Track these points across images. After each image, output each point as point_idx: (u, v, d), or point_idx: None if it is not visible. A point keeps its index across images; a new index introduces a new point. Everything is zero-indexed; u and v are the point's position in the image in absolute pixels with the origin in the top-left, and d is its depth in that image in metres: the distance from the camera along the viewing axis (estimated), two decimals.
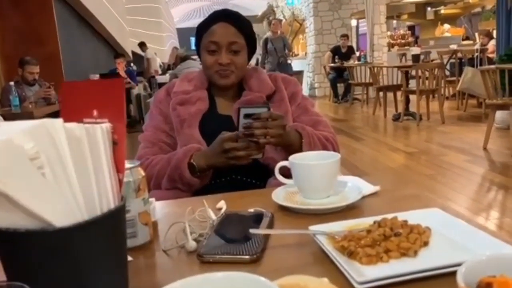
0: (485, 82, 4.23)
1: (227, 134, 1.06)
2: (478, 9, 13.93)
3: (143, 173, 0.68)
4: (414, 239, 0.58)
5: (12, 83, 4.03)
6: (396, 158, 4.49)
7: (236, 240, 0.65)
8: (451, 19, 14.64)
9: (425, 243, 0.58)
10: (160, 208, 0.87)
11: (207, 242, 0.65)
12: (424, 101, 6.15)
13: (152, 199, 0.85)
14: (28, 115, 3.46)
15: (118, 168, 0.47)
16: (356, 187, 0.82)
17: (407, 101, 6.40)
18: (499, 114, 4.90)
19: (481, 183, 3.56)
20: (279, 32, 8.51)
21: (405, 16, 15.29)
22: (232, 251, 0.62)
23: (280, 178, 0.83)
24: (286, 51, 8.51)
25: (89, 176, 0.44)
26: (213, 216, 0.75)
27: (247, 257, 0.60)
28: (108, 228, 0.45)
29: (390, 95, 6.99)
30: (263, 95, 1.28)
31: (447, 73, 7.60)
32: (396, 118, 6.47)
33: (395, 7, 12.81)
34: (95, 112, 0.48)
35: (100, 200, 0.45)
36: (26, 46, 5.91)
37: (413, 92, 6.02)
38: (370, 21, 9.25)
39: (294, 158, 0.80)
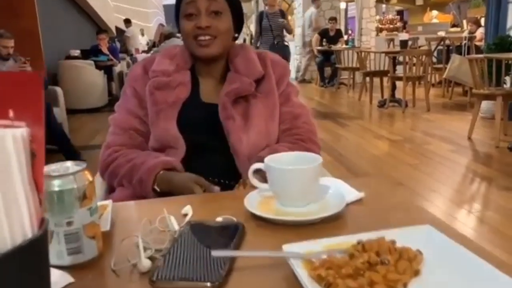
0: (473, 71, 4.17)
1: (200, 180, 0.98)
2: None
3: (90, 178, 0.58)
4: (404, 268, 0.49)
5: None
6: (380, 145, 4.44)
7: (198, 260, 0.56)
8: (440, 6, 14.58)
9: (416, 272, 0.50)
10: (118, 211, 0.77)
11: (164, 262, 0.56)
12: (410, 88, 6.09)
13: (109, 202, 0.75)
14: None
15: (38, 186, 0.37)
16: (338, 194, 0.73)
17: (393, 87, 6.34)
18: (485, 104, 4.87)
19: (465, 173, 3.53)
20: (276, 6, 6.88)
21: (394, 1, 15.18)
22: (191, 275, 0.52)
23: (255, 182, 0.73)
24: (287, 28, 6.88)
25: None
26: (175, 226, 0.65)
27: (208, 284, 0.51)
28: (24, 264, 0.35)
29: (376, 80, 6.92)
30: (251, 81, 1.15)
31: (434, 60, 7.55)
32: (382, 104, 6.41)
33: None
34: (11, 113, 0.38)
35: (11, 230, 0.35)
36: (2, 19, 5.65)
37: (399, 78, 5.96)
38: (360, 4, 9.11)
39: (270, 160, 0.71)
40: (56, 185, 0.55)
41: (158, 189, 1.01)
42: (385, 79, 6.92)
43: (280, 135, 1.17)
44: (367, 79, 6.91)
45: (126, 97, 1.17)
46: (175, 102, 1.12)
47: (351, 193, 0.76)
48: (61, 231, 0.56)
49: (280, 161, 0.72)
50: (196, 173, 1.01)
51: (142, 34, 13.69)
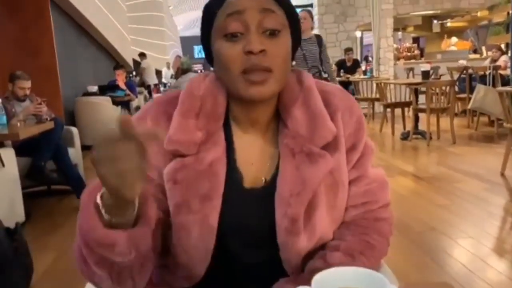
0: (503, 103, 3.97)
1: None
2: (484, 22, 13.73)
3: None
4: None
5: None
6: (406, 183, 4.22)
7: None
8: (457, 32, 14.46)
9: None
10: None
11: None
12: (433, 119, 5.89)
13: None
14: (13, 136, 3.21)
15: None
16: None
17: (416, 118, 6.14)
18: None
19: (503, 216, 3.28)
20: (310, 31, 5.32)
21: (411, 28, 15.13)
22: None
23: None
24: (323, 59, 5.24)
25: None
26: None
27: None
28: None
29: (397, 110, 6.74)
30: (319, 149, 0.80)
31: (457, 89, 7.36)
32: (405, 137, 6.21)
33: (402, 19, 12.62)
34: None
35: None
36: (21, 57, 5.70)
37: (423, 110, 5.77)
38: (377, 34, 9.03)
39: (319, 284, 0.54)
40: None
41: (99, 202, 0.65)
42: (406, 109, 6.74)
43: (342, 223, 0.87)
44: (388, 109, 6.73)
45: None
46: (207, 196, 0.78)
47: None
48: None
49: (333, 282, 0.55)
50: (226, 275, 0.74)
51: (168, 68, 13.76)
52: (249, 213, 0.81)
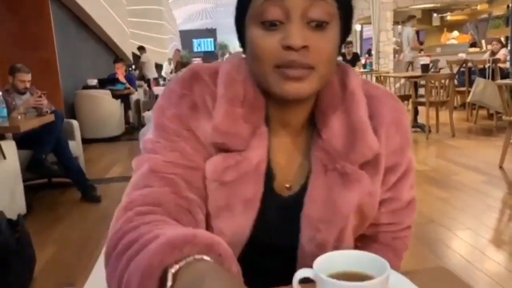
0: (502, 96, 3.99)
1: None
2: (484, 16, 13.71)
3: None
4: None
5: (0, 92, 3.79)
6: None
7: None
8: (457, 26, 14.43)
9: None
10: None
11: None
12: (432, 112, 5.90)
13: None
14: (14, 129, 3.22)
15: None
16: None
17: (416, 112, 6.16)
18: None
19: (502, 209, 3.31)
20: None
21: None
22: None
23: None
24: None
25: None
26: None
27: None
28: None
29: None
30: (355, 169, 0.72)
31: (456, 82, 7.36)
32: None
33: (402, 13, 12.58)
34: None
35: None
36: (21, 51, 5.70)
37: (422, 103, 5.78)
38: (377, 27, 9.02)
39: (321, 267, 0.56)
40: None
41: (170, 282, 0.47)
42: (405, 102, 6.75)
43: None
44: None
45: (171, 133, 0.71)
46: (250, 201, 0.72)
47: None
48: None
49: (334, 265, 0.57)
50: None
51: (170, 63, 13.75)
52: (276, 221, 0.76)
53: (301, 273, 0.57)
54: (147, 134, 0.75)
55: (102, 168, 5.06)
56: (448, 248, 2.61)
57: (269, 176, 0.75)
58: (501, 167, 4.12)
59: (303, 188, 0.75)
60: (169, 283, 0.46)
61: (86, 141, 5.25)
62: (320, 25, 0.64)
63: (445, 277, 0.74)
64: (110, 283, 0.55)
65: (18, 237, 2.27)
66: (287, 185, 0.77)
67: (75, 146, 4.26)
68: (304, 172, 0.76)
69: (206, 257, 0.49)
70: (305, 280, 0.58)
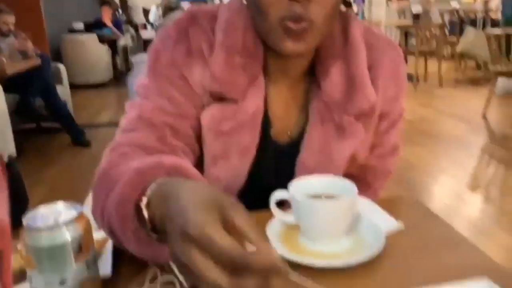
0: (490, 46, 4.00)
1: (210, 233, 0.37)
2: None
3: (85, 225, 0.49)
4: None
5: None
6: None
7: None
8: None
9: None
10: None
11: None
12: (421, 62, 5.90)
13: (108, 247, 0.62)
14: (0, 72, 3.18)
15: (5, 286, 0.28)
16: (375, 228, 0.63)
17: (405, 61, 6.15)
18: (501, 81, 4.71)
19: (481, 156, 3.41)
20: None
21: None
22: None
23: (277, 213, 0.64)
24: None
25: None
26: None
27: None
28: None
29: None
30: (351, 120, 0.75)
31: (447, 32, 7.31)
32: None
33: None
34: None
35: None
36: None
37: (412, 52, 5.77)
38: None
39: (296, 188, 0.61)
40: (45, 239, 0.46)
41: (146, 214, 0.47)
42: None
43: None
44: None
45: (163, 80, 0.72)
46: (246, 149, 0.75)
47: (387, 222, 0.67)
48: None
49: (308, 188, 0.62)
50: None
51: (158, 9, 13.24)
52: (272, 168, 0.79)
53: (277, 195, 0.62)
54: (140, 78, 0.76)
55: (90, 114, 5.06)
56: (429, 192, 2.72)
57: (266, 124, 0.77)
58: (484, 117, 4.21)
59: (300, 137, 0.78)
60: (144, 212, 0.47)
61: (73, 87, 5.19)
62: None
63: (414, 206, 0.80)
64: (95, 217, 0.59)
65: (9, 178, 2.31)
66: (288, 132, 0.79)
67: (63, 91, 4.23)
68: (301, 121, 0.79)
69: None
70: (281, 205, 0.63)
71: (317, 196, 0.61)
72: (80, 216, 0.48)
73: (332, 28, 0.72)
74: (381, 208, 0.72)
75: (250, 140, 0.74)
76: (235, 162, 0.75)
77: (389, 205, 0.74)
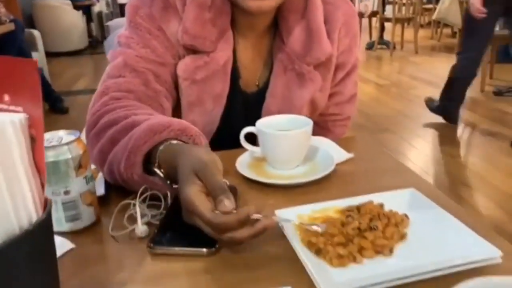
0: (462, 13, 4.11)
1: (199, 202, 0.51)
2: None
3: (84, 147, 0.58)
4: (391, 233, 0.52)
5: None
6: (367, 90, 4.44)
7: (192, 226, 0.58)
8: None
9: (402, 236, 0.53)
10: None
11: (159, 228, 0.58)
12: (399, 30, 6.01)
13: (100, 174, 0.73)
14: None
15: (39, 169, 0.38)
16: (328, 155, 0.74)
17: (382, 29, 6.25)
18: None
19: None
20: None
21: None
22: (186, 242, 0.55)
23: (246, 145, 0.75)
24: None
25: None
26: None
27: (204, 249, 0.53)
28: (32, 246, 0.36)
29: (364, 21, 6.80)
30: (310, 69, 0.84)
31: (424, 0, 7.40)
32: (370, 46, 6.35)
33: None
34: (6, 97, 0.37)
35: (16, 214, 0.36)
36: None
37: (389, 20, 5.86)
38: None
39: (261, 124, 0.72)
40: (51, 156, 0.55)
41: (159, 172, 0.63)
42: (374, 20, 6.80)
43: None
44: None
45: (143, 31, 0.80)
46: (219, 96, 0.84)
47: (340, 153, 0.78)
48: (59, 199, 0.57)
49: (272, 124, 0.73)
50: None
51: None
52: (241, 114, 0.88)
53: (246, 129, 0.73)
54: (122, 30, 0.84)
55: (67, 81, 5.04)
56: (401, 154, 2.88)
57: (235, 74, 0.86)
58: None
59: (265, 86, 0.88)
60: (156, 160, 0.63)
61: (49, 55, 5.13)
62: None
63: (368, 142, 0.91)
64: (91, 153, 0.70)
65: None
66: (256, 82, 0.89)
67: (39, 58, 4.20)
68: (266, 72, 0.88)
69: (178, 141, 0.64)
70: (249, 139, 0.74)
71: (278, 129, 0.72)
72: (79, 140, 0.58)
73: None
74: (334, 143, 0.83)
75: (222, 88, 0.84)
76: (209, 108, 0.84)
77: (344, 141, 0.86)
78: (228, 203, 0.50)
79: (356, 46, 0.90)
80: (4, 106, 0.37)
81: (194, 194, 0.51)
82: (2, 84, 0.37)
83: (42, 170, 0.38)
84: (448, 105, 3.31)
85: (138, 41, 0.80)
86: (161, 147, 0.62)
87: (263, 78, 0.89)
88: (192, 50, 0.81)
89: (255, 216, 0.51)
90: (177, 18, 0.80)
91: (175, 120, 0.67)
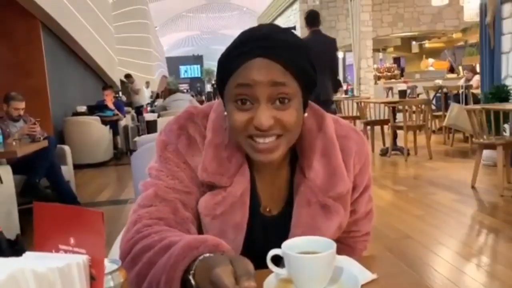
0: (472, 121, 4.26)
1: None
2: (461, 43, 14.33)
3: (124, 276, 0.63)
4: None
5: None
6: (384, 196, 4.46)
7: None
8: (436, 52, 15.03)
9: None
10: None
11: None
12: (411, 136, 6.19)
13: None
14: (11, 154, 3.37)
15: None
16: (352, 276, 0.77)
17: (395, 135, 6.44)
18: (486, 151, 4.94)
19: (471, 225, 3.53)
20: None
21: (391, 49, 15.65)
22: None
23: (272, 267, 0.78)
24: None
25: None
26: None
27: None
28: None
29: (377, 128, 7.05)
30: (333, 202, 0.91)
31: (434, 107, 7.71)
32: (384, 153, 6.49)
33: (382, 41, 13.10)
34: (72, 240, 0.44)
35: None
36: (13, 79, 5.86)
37: (400, 127, 6.07)
38: (357, 55, 9.40)
39: (287, 247, 0.76)
40: None
41: (192, 281, 0.66)
42: (385, 127, 7.04)
43: None
44: (368, 127, 7.04)
45: (172, 164, 0.90)
46: (239, 225, 0.89)
47: (364, 274, 0.81)
48: None
49: (297, 246, 0.77)
50: None
51: (147, 87, 14.07)
52: (260, 236, 0.93)
53: (272, 252, 0.77)
54: (152, 162, 0.95)
55: (92, 192, 5.19)
56: (423, 262, 2.81)
57: (255, 201, 0.93)
58: (473, 187, 4.37)
59: (284, 211, 0.94)
60: (192, 269, 0.67)
61: (76, 167, 5.38)
62: (283, 102, 0.80)
63: (387, 260, 0.93)
64: (128, 275, 0.73)
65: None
66: (268, 209, 0.95)
67: (67, 171, 4.40)
68: (284, 196, 0.95)
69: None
70: (276, 260, 0.78)
71: (304, 253, 0.76)
72: (120, 268, 0.63)
73: (298, 134, 0.87)
74: (358, 262, 0.86)
75: (241, 217, 0.90)
76: (231, 237, 0.90)
77: (367, 260, 0.88)
78: (249, 282, 0.55)
79: (367, 170, 0.97)
80: (69, 248, 0.43)
81: (223, 271, 0.57)
82: (69, 229, 0.43)
83: None
84: None
85: (167, 173, 0.89)
86: (197, 262, 0.67)
87: (279, 203, 0.95)
88: (210, 186, 0.89)
89: None
90: (198, 153, 0.90)
91: (209, 236, 0.73)
